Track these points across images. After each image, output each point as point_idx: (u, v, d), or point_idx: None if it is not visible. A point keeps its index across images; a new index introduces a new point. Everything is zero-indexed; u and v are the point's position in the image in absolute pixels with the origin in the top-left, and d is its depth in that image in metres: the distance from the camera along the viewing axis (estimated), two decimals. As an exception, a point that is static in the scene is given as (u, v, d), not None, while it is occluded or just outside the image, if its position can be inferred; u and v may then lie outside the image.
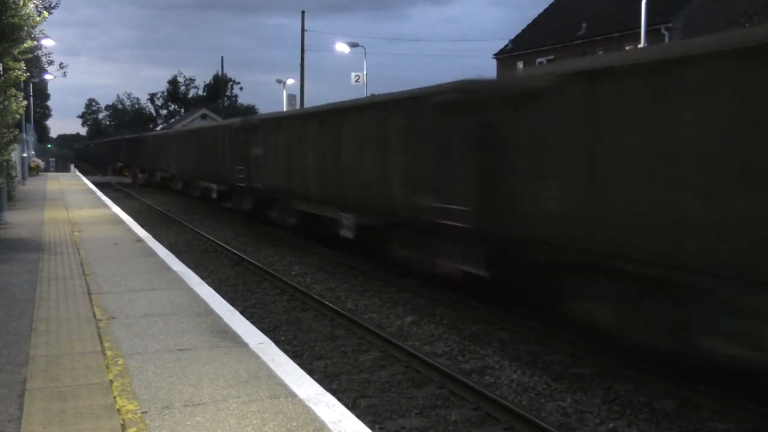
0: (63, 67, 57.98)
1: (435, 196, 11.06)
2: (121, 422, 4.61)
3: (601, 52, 33.87)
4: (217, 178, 25.01)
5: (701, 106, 6.74)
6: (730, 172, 6.47)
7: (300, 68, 44.84)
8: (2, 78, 15.18)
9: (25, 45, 15.23)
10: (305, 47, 44.21)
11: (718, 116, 6.59)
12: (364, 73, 37.29)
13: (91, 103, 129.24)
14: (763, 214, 6.17)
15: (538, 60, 39.59)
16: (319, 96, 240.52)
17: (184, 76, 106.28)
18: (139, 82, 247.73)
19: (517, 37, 44.77)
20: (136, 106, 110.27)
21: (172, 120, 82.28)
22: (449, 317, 10.44)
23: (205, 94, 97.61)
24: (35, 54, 25.79)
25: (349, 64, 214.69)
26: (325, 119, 15.99)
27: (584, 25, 37.86)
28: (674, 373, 7.46)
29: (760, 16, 23.65)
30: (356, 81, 37.22)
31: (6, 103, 15.47)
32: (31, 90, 43.61)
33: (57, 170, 58.12)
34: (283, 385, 5.34)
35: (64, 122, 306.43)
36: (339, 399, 5.48)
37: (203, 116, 60.63)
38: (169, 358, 6.02)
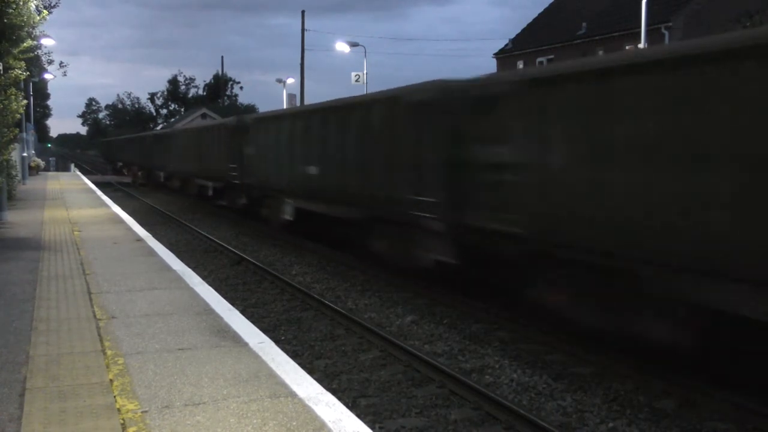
0: (63, 66, 57.79)
1: None
2: (121, 422, 4.61)
3: (601, 52, 33.87)
4: (212, 176, 25.66)
5: None
6: None
7: (300, 67, 44.94)
8: (2, 77, 15.16)
9: (25, 44, 15.21)
10: (306, 47, 44.33)
11: None
12: (364, 72, 37.28)
13: (91, 102, 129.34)
14: None
15: (538, 60, 39.56)
16: (319, 95, 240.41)
17: (185, 76, 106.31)
18: (139, 81, 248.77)
19: (517, 36, 44.72)
20: (136, 106, 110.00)
21: (173, 119, 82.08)
22: (449, 317, 10.44)
23: (205, 93, 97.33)
24: (35, 53, 25.73)
25: (349, 64, 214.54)
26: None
27: (584, 24, 37.82)
28: (674, 373, 7.46)
29: (761, 16, 23.62)
30: (356, 80, 37.21)
31: (6, 102, 15.44)
32: (31, 89, 43.55)
33: (57, 170, 58.14)
34: (283, 385, 5.34)
35: (64, 122, 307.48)
36: (339, 398, 5.49)
37: (203, 116, 60.42)
38: (169, 357, 6.02)
